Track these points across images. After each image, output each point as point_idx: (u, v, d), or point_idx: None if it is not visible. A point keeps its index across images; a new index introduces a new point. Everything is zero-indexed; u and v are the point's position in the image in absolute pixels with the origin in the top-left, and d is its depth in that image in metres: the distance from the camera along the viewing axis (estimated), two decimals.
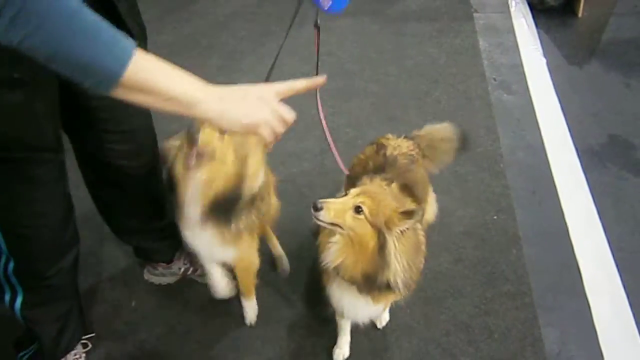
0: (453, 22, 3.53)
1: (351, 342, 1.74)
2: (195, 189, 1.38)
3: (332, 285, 1.46)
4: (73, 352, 1.66)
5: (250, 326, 1.80)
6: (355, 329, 1.74)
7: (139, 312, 1.87)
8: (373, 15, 3.53)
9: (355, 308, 1.48)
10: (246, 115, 0.89)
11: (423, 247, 1.44)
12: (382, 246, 1.27)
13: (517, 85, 2.94)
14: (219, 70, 3.08)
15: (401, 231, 1.28)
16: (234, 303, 1.85)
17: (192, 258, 1.88)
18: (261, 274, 1.78)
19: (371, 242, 1.28)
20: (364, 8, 3.29)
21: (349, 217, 1.27)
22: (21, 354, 1.62)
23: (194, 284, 1.93)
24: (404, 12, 3.67)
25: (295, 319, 1.84)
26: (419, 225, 1.42)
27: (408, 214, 1.28)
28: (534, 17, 3.54)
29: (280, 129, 0.92)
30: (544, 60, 3.12)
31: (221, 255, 1.60)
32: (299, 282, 1.94)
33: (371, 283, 1.32)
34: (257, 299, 1.82)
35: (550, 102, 2.80)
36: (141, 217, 1.70)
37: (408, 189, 1.47)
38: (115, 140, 1.43)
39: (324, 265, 1.37)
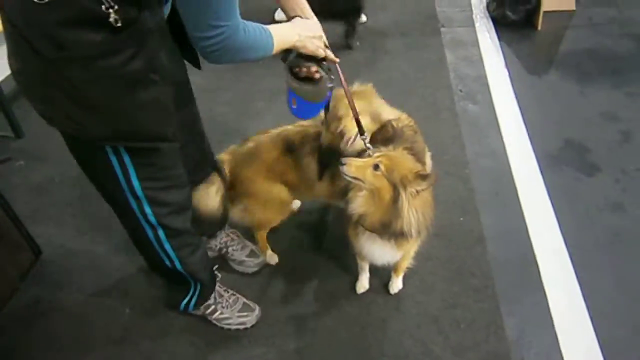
0: (422, 37, 3.75)
1: (330, 333, 1.91)
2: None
3: (362, 236, 1.70)
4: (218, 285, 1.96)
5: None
6: (333, 327, 1.91)
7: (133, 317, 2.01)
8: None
9: (381, 253, 1.73)
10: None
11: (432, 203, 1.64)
12: (395, 199, 1.51)
13: (481, 95, 3.15)
14: None
15: (417, 191, 1.50)
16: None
17: (229, 241, 2.11)
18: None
19: (387, 195, 1.51)
20: (338, 26, 3.48)
21: (368, 173, 1.51)
22: (184, 301, 1.89)
23: None
24: (375, 29, 3.88)
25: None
26: None
27: (423, 177, 1.50)
28: (497, 31, 3.78)
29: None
30: (506, 72, 3.35)
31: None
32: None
33: (387, 229, 1.56)
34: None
35: (512, 110, 3.02)
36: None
37: (416, 158, 1.67)
38: None
39: (350, 214, 1.63)
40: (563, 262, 2.15)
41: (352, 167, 1.53)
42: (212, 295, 1.92)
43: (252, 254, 2.14)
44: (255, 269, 2.13)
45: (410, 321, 1.96)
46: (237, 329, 1.93)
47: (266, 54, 1.34)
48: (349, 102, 1.61)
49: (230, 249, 2.12)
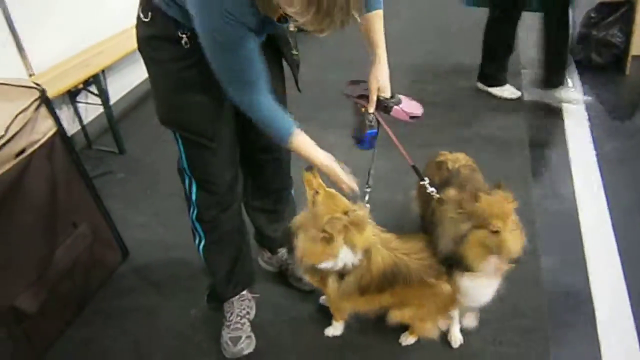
0: None
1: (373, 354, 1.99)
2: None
3: (463, 280, 1.76)
4: (241, 297, 2.10)
5: None
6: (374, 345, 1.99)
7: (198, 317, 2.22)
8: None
9: (487, 288, 1.80)
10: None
11: None
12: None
13: (556, 138, 3.13)
14: None
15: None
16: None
17: (290, 258, 2.27)
18: None
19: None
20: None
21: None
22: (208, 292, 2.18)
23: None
24: (453, 67, 3.95)
25: None
26: None
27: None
28: (580, 74, 3.71)
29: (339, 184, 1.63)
30: (587, 116, 3.29)
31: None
32: None
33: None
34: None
35: (587, 155, 2.97)
36: (265, 201, 2.12)
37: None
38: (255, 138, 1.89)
39: (472, 268, 1.70)
40: (623, 313, 2.09)
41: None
42: (226, 312, 2.08)
43: None
44: (312, 287, 2.25)
45: (454, 352, 1.99)
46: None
47: (280, 141, 1.56)
48: (395, 143, 1.79)
49: (290, 266, 2.28)
